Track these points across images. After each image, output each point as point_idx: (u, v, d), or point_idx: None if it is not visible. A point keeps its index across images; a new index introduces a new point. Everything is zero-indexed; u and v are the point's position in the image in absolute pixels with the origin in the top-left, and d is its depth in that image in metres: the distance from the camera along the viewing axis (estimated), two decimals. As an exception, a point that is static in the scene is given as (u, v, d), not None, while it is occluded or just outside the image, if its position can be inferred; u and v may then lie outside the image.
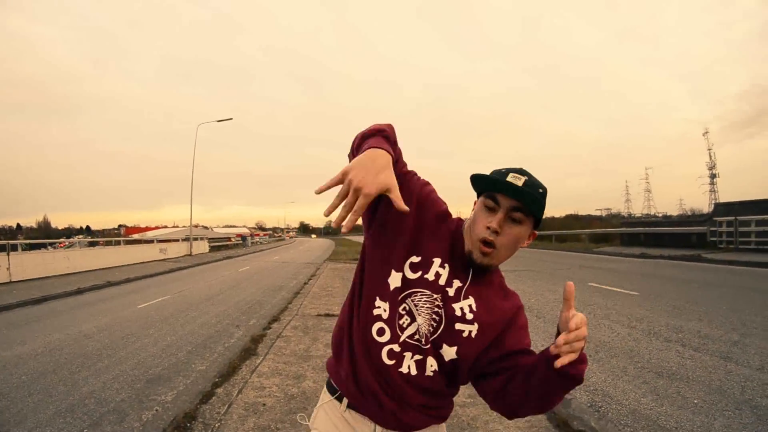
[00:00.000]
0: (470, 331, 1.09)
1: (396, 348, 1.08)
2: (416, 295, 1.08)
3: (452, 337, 1.07)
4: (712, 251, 13.64)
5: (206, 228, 46.01)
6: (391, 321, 1.08)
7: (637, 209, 78.21)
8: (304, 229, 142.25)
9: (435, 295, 1.09)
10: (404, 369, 1.08)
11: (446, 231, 1.12)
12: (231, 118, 25.68)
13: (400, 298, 1.08)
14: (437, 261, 1.10)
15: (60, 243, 18.91)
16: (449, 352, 1.08)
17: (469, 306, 1.09)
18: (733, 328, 5.61)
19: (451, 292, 1.10)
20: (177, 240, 25.63)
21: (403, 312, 1.08)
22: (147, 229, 41.45)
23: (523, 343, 1.12)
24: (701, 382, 3.95)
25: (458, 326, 1.09)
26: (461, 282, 1.11)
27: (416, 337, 1.07)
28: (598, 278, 9.92)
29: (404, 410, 1.09)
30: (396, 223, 1.08)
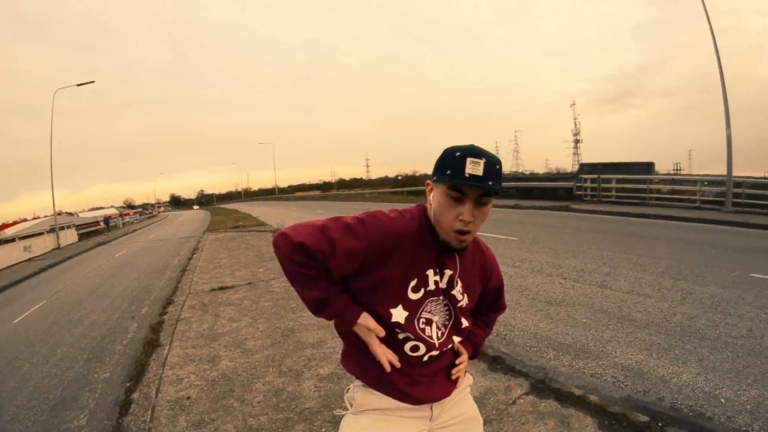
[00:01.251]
0: (466, 303, 1.28)
1: (432, 352, 1.23)
2: (427, 304, 1.21)
3: (459, 311, 1.26)
4: (578, 203, 15.81)
5: (71, 214, 40.62)
6: (419, 337, 1.21)
7: (506, 168, 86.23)
8: (176, 202, 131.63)
9: (440, 297, 1.23)
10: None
11: (410, 238, 1.16)
12: (92, 81, 22.44)
13: (416, 319, 1.20)
14: (431, 271, 1.19)
15: None
16: (462, 323, 1.29)
17: (459, 289, 1.24)
18: (604, 263, 6.61)
19: (445, 283, 1.23)
20: (42, 233, 22.33)
21: (423, 325, 1.21)
22: (5, 226, 35.15)
23: (501, 297, 1.44)
24: (585, 306, 4.81)
25: (459, 305, 1.26)
26: (452, 270, 1.23)
27: (439, 332, 1.24)
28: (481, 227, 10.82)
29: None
30: (378, 279, 1.14)
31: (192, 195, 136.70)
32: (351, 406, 1.28)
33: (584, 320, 4.31)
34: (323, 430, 2.55)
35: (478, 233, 1.21)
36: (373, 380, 1.25)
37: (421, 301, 1.18)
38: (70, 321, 6.39)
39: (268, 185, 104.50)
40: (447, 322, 1.27)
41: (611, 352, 3.59)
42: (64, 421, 3.29)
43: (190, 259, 10.42)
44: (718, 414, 2.66)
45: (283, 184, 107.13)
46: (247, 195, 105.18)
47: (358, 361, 1.28)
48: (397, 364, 1.14)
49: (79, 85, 22.52)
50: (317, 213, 22.34)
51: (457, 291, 1.24)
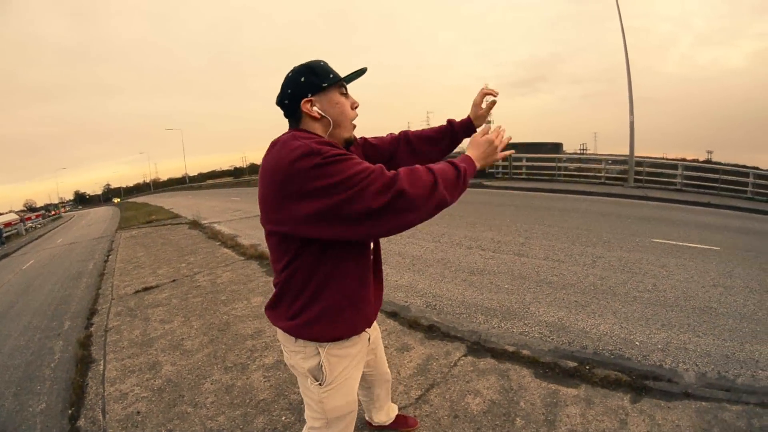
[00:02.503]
0: None
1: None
2: None
3: None
4: (490, 180, 16.81)
5: None
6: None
7: None
8: (81, 199, 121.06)
9: None
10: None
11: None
12: None
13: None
14: None
15: None
16: None
17: None
18: (519, 234, 7.20)
19: None
20: None
21: None
22: None
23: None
24: (506, 273, 5.34)
25: None
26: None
27: None
28: None
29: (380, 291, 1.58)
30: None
31: (98, 190, 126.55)
32: (320, 380, 1.41)
33: (506, 286, 4.77)
34: (283, 417, 2.66)
35: None
36: (348, 325, 1.42)
37: None
38: None
39: (178, 174, 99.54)
40: None
41: (534, 312, 4.07)
42: None
43: (106, 261, 9.79)
44: (635, 354, 3.22)
45: (194, 173, 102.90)
46: (157, 186, 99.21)
47: (333, 318, 1.36)
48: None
49: None
50: (232, 200, 21.87)
51: None
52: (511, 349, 3.28)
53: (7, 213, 46.67)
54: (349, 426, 1.54)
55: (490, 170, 17.43)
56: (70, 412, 3.31)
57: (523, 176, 16.71)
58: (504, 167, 17.12)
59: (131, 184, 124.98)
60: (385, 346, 3.36)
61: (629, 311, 4.01)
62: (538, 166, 16.70)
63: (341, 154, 1.14)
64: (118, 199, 76.79)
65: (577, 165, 17.93)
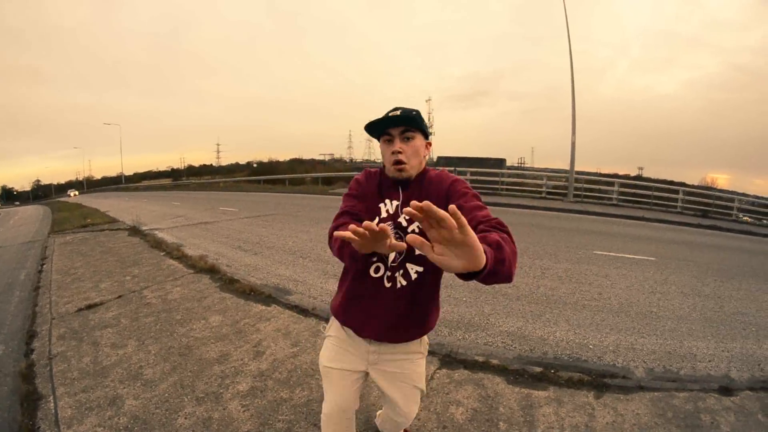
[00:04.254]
0: (413, 229, 1.55)
1: (387, 273, 1.61)
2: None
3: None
4: None
5: None
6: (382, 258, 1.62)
7: (359, 155, 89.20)
8: (8, 196, 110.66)
9: (391, 222, 1.59)
10: (389, 284, 1.62)
11: (370, 187, 1.68)
12: None
13: None
14: (381, 205, 1.63)
15: None
16: (415, 251, 1.57)
17: (405, 216, 1.43)
18: None
19: (392, 210, 1.62)
20: None
21: None
22: None
23: (468, 203, 1.50)
24: (461, 287, 5.47)
25: (409, 230, 1.57)
26: (396, 201, 1.62)
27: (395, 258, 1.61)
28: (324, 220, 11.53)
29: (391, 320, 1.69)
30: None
31: (26, 186, 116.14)
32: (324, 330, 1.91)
33: (464, 299, 4.99)
34: None
35: (432, 170, 1.71)
36: (339, 313, 1.76)
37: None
38: None
39: (113, 173, 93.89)
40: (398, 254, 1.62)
41: (495, 323, 4.36)
42: None
43: (40, 271, 8.80)
44: (590, 356, 3.67)
45: (129, 172, 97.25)
46: (90, 185, 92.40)
47: (338, 302, 1.78)
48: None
49: None
50: (173, 205, 20.82)
51: (403, 218, 1.59)
52: (480, 359, 3.56)
53: None
54: None
55: None
56: None
57: None
58: None
59: (63, 181, 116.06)
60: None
61: (580, 318, 4.36)
62: (482, 180, 17.40)
63: (350, 188, 1.70)
64: (76, 192, 68.98)
65: (520, 180, 18.87)
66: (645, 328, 4.32)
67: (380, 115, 1.60)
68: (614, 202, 15.20)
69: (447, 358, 3.58)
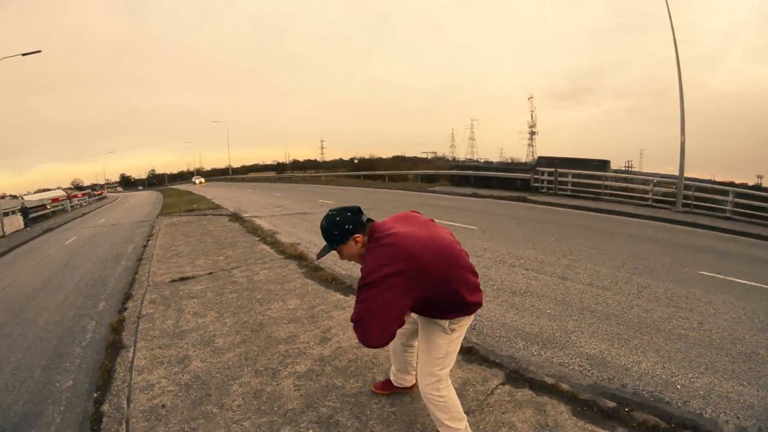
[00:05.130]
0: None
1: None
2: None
3: None
4: (535, 194, 16.29)
5: (16, 197, 36.35)
6: None
7: (461, 154, 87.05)
8: (126, 182, 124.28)
9: None
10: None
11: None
12: (39, 51, 20.24)
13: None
14: None
15: None
16: None
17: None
18: (563, 255, 6.86)
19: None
20: None
21: None
22: None
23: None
24: (548, 297, 5.00)
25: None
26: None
27: None
28: (437, 215, 10.88)
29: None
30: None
31: (143, 175, 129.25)
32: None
33: (548, 311, 4.52)
34: (310, 431, 2.53)
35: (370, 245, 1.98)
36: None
37: None
38: (22, 321, 5.91)
39: (221, 165, 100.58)
40: None
41: (576, 342, 3.83)
42: None
43: (145, 246, 9.89)
44: (675, 399, 2.97)
45: (237, 164, 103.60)
46: (200, 175, 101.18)
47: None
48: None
49: (24, 54, 20.41)
50: (274, 195, 21.89)
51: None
52: (550, 381, 3.07)
53: (55, 189, 48.57)
54: None
55: (534, 184, 16.93)
56: (95, 395, 3.31)
57: (568, 193, 16.03)
58: (549, 182, 16.62)
59: (175, 171, 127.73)
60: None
61: (672, 350, 3.71)
62: (584, 183, 16.01)
63: None
64: (203, 180, 67.22)
65: (624, 184, 17.20)
66: (747, 373, 3.37)
67: None
68: (727, 214, 13.07)
69: (514, 374, 3.18)
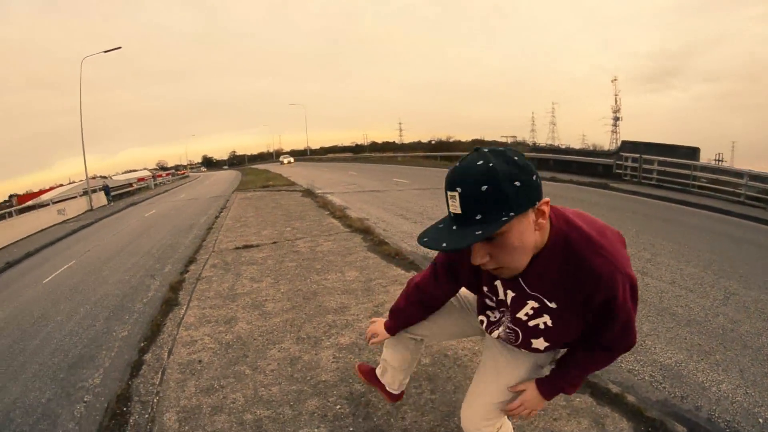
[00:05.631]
0: (545, 322, 1.20)
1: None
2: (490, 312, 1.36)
3: (533, 333, 1.24)
4: (617, 182, 14.76)
5: (104, 177, 40.95)
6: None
7: (542, 139, 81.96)
8: (208, 163, 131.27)
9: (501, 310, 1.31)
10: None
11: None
12: (120, 47, 21.91)
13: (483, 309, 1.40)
14: (499, 286, 1.26)
15: None
16: (539, 344, 1.26)
17: (532, 307, 1.20)
18: (645, 248, 6.12)
19: (506, 298, 1.24)
20: (75, 197, 22.74)
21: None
22: (42, 192, 36.38)
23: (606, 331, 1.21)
24: None
25: (531, 324, 1.23)
26: (513, 292, 1.21)
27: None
28: None
29: None
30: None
31: (224, 156, 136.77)
32: None
33: None
34: (338, 407, 2.35)
35: (570, 236, 1.07)
36: None
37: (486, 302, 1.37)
38: (96, 279, 6.41)
39: (300, 147, 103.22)
40: (513, 341, 1.32)
41: (650, 348, 3.33)
42: (80, 380, 3.28)
43: (216, 217, 10.31)
44: None
45: (315, 146, 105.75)
46: (279, 155, 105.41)
47: None
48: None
49: (105, 51, 21.94)
50: (349, 174, 22.03)
51: (526, 310, 1.22)
52: (615, 389, 2.59)
53: (141, 170, 53.19)
54: None
55: (617, 171, 15.47)
56: (142, 345, 3.46)
57: (653, 182, 14.46)
58: (633, 169, 15.23)
59: (255, 153, 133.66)
60: (474, 354, 2.89)
61: (759, 373, 2.96)
62: (671, 172, 14.45)
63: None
64: (291, 159, 59.84)
65: (714, 176, 15.25)
66: None
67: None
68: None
69: None
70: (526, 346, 1.27)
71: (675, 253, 5.99)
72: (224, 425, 2.25)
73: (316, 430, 2.16)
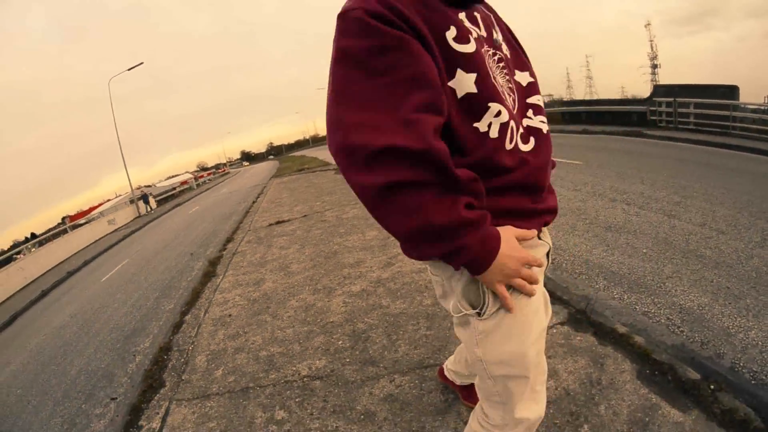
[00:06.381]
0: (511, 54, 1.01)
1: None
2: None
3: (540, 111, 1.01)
4: (652, 129, 13.65)
5: (149, 186, 43.80)
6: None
7: (579, 95, 77.14)
8: (248, 157, 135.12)
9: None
10: None
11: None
12: (141, 63, 22.93)
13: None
14: (464, 18, 0.88)
15: (18, 256, 17.15)
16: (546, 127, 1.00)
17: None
18: (675, 192, 5.76)
19: (483, 32, 0.92)
20: (123, 207, 24.34)
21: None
22: (91, 209, 38.87)
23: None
24: (648, 235, 4.21)
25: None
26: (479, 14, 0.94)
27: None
28: None
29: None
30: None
31: (262, 149, 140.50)
32: (479, 308, 0.92)
33: (645, 250, 3.76)
34: (339, 342, 2.65)
35: None
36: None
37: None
38: (146, 270, 7.11)
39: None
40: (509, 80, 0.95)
41: (671, 290, 3.11)
42: (134, 345, 3.79)
43: (254, 202, 11.02)
44: None
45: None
46: (315, 141, 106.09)
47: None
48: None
49: (129, 69, 22.65)
50: None
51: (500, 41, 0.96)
52: (622, 329, 2.43)
53: (182, 174, 55.92)
54: None
55: (651, 118, 14.35)
56: (183, 309, 3.97)
57: (690, 126, 13.11)
58: (668, 114, 14.30)
59: (292, 141, 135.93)
60: None
61: None
62: (709, 114, 13.27)
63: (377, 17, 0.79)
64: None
65: (757, 116, 13.64)
66: None
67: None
68: None
69: (579, 315, 2.63)
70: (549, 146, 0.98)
71: (708, 195, 5.63)
72: (243, 361, 2.62)
73: (317, 361, 2.46)
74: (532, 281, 0.88)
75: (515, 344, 0.94)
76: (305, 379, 2.31)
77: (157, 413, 2.33)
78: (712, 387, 1.98)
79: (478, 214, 0.77)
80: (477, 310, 0.91)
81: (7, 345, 6.42)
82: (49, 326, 6.16)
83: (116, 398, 2.92)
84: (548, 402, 1.71)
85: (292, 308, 3.26)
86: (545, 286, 1.17)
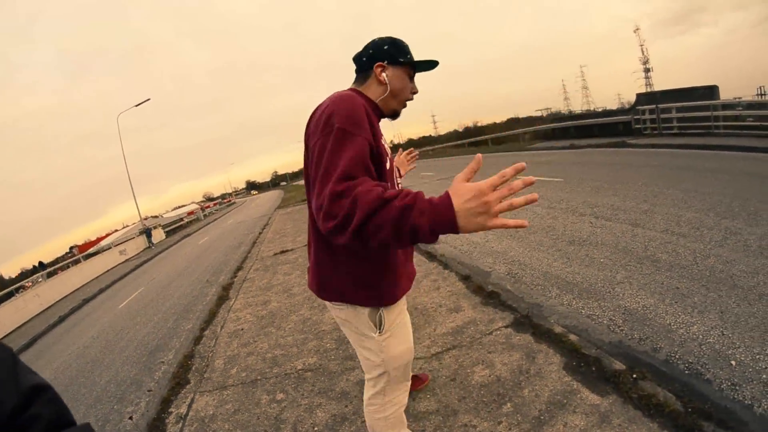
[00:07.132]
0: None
1: None
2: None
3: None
4: (636, 137, 13.88)
5: (156, 217, 44.15)
6: None
7: (577, 106, 74.85)
8: (253, 187, 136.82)
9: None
10: None
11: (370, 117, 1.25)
12: (149, 99, 23.90)
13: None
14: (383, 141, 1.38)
15: (27, 283, 17.91)
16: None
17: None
18: (645, 200, 5.94)
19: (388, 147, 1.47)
20: (133, 237, 24.84)
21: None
22: (100, 239, 39.07)
23: None
24: (608, 245, 4.46)
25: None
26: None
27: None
28: (526, 172, 10.47)
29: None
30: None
31: (267, 177, 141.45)
32: (379, 327, 1.39)
33: (602, 260, 4.05)
34: (328, 344, 3.32)
35: None
36: (393, 292, 1.40)
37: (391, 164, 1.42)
38: (163, 296, 7.76)
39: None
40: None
41: (619, 294, 3.35)
42: (158, 358, 4.38)
43: (260, 233, 11.82)
44: (721, 378, 2.18)
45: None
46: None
47: (380, 284, 1.36)
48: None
49: (137, 105, 23.58)
50: None
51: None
52: (558, 330, 2.75)
53: (189, 204, 56.94)
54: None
55: (636, 126, 14.52)
56: (202, 326, 4.65)
57: (674, 131, 13.29)
58: (652, 121, 13.89)
59: (296, 169, 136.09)
60: (440, 306, 3.64)
61: (744, 314, 2.77)
62: (691, 117, 12.56)
63: (360, 120, 1.17)
64: None
65: (735, 113, 13.33)
66: None
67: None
68: None
69: (522, 320, 3.00)
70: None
71: (678, 200, 5.75)
72: (252, 361, 3.31)
73: (310, 358, 3.15)
74: (505, 196, 0.91)
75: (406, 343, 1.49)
76: (300, 371, 2.96)
77: (184, 402, 2.96)
78: (634, 376, 2.15)
79: (406, 197, 0.96)
80: (379, 330, 1.40)
81: (30, 363, 6.82)
82: (72, 347, 6.68)
83: (151, 390, 3.58)
84: (477, 386, 2.32)
85: (293, 321, 3.93)
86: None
